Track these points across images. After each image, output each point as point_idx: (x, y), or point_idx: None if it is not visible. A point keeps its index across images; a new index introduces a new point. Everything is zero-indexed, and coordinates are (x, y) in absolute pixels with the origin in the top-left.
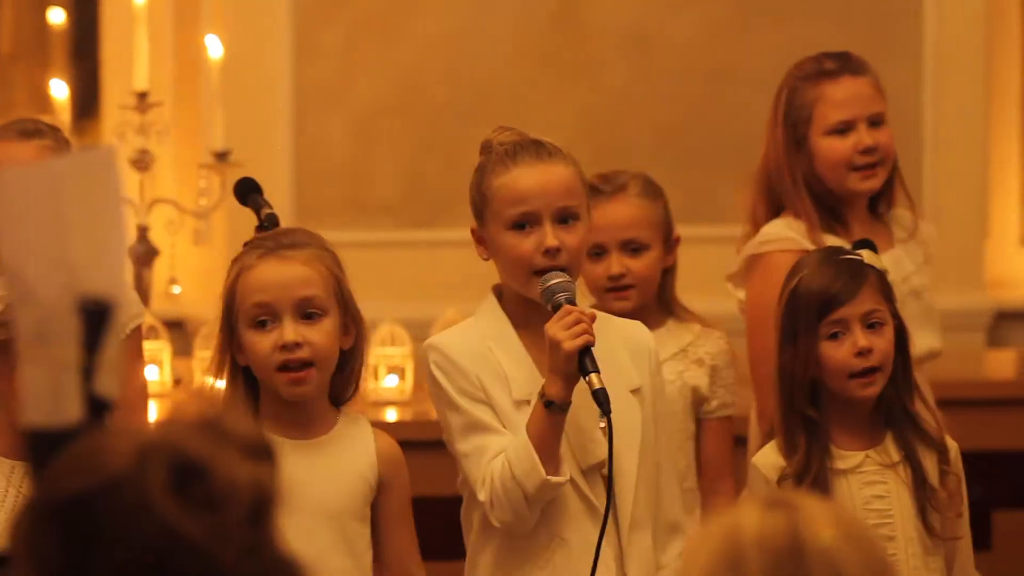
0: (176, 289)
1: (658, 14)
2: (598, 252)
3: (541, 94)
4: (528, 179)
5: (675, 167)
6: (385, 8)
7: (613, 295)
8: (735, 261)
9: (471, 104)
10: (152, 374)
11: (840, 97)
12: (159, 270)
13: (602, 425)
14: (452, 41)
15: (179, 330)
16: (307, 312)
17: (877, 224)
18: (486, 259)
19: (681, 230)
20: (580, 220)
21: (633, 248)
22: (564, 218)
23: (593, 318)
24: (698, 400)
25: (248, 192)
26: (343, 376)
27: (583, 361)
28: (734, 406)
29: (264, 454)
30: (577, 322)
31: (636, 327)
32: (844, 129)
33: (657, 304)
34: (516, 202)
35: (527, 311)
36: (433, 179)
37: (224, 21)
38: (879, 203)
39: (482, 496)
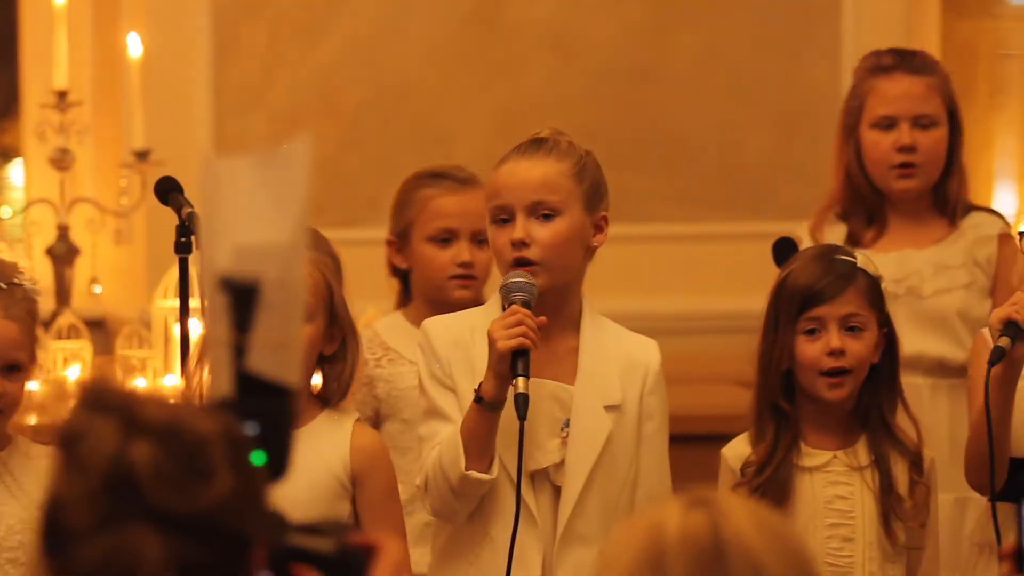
0: (97, 288)
1: (577, 13)
2: (447, 239)
3: (461, 93)
4: (507, 174)
5: None
6: (306, 7)
7: (458, 283)
8: None
9: (391, 103)
10: (73, 373)
11: (890, 93)
12: (80, 269)
13: (564, 434)
14: (372, 40)
15: (100, 329)
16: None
17: (932, 221)
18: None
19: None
20: (561, 215)
21: (480, 240)
22: (541, 213)
23: (542, 323)
24: None
25: (169, 191)
26: (329, 381)
27: (515, 363)
28: None
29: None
30: (518, 323)
31: (644, 344)
32: (889, 124)
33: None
34: (493, 196)
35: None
36: (354, 178)
37: (144, 20)
38: (939, 202)
39: (418, 481)
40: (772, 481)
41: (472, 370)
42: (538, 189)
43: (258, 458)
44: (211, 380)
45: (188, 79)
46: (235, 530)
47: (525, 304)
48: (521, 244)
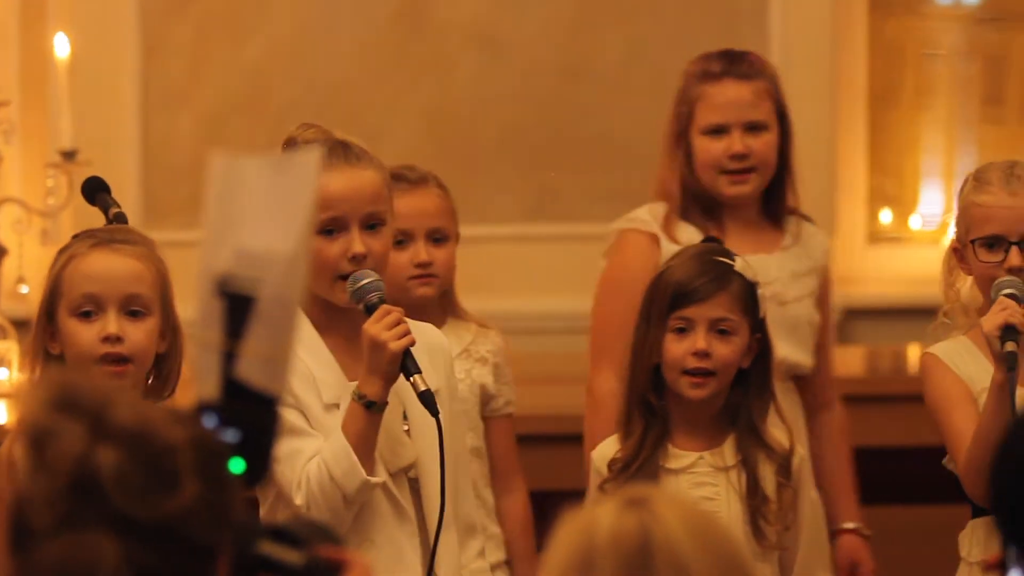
0: (24, 289)
1: (504, 12)
2: (402, 240)
3: (388, 92)
4: (337, 184)
5: (522, 165)
6: (233, 6)
7: (419, 282)
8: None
9: (319, 103)
10: (0, 374)
11: (718, 100)
12: (7, 269)
13: (405, 428)
14: (299, 39)
15: (27, 329)
16: (132, 309)
17: (764, 227)
18: None
19: (529, 228)
20: (386, 225)
21: (436, 238)
22: (371, 224)
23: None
24: (485, 398)
25: (96, 191)
26: (159, 379)
27: (405, 363)
28: (516, 403)
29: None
30: (398, 322)
31: (429, 329)
32: (719, 131)
33: (440, 302)
34: (324, 207)
35: (329, 315)
36: None
37: (71, 19)
38: (770, 207)
39: (299, 500)
40: (636, 479)
41: (313, 383)
42: (371, 200)
43: (236, 466)
44: (196, 382)
45: (116, 79)
46: (198, 539)
47: (382, 301)
48: (363, 258)
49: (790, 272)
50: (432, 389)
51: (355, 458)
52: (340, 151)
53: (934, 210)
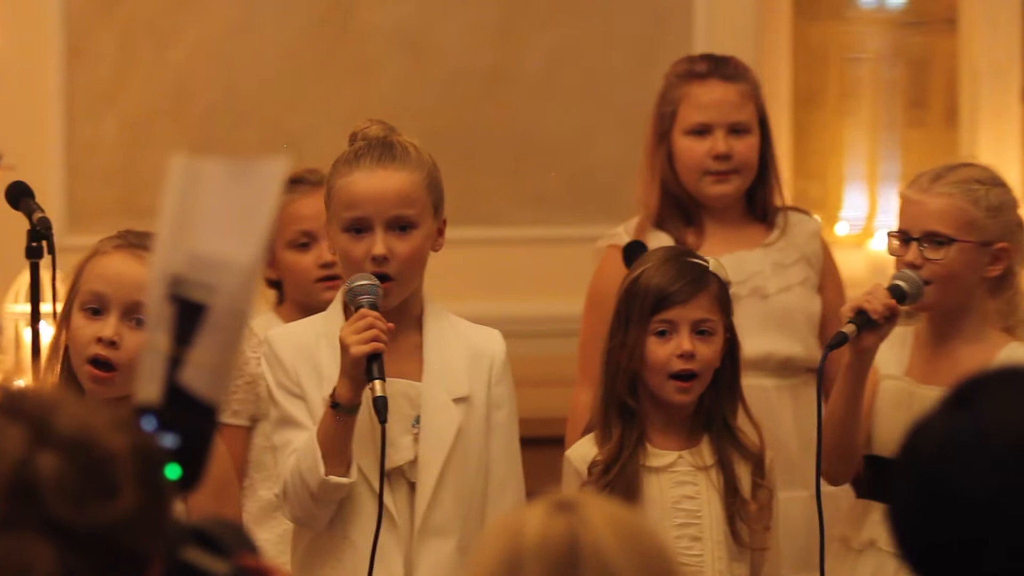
0: None
1: (429, 16)
2: (306, 243)
3: (313, 96)
4: (364, 185)
5: (448, 170)
6: (158, 10)
7: (324, 285)
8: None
9: (243, 107)
10: None
11: (704, 100)
12: None
13: (415, 431)
14: (223, 44)
15: None
16: (137, 317)
17: (748, 226)
18: (333, 254)
19: (455, 233)
20: (418, 228)
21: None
22: (401, 226)
23: (391, 329)
24: None
25: (20, 196)
26: None
27: (370, 367)
28: None
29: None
30: (369, 327)
31: (488, 335)
32: (702, 131)
33: None
34: (351, 206)
35: (352, 313)
36: None
37: None
38: (755, 206)
39: (276, 490)
40: (619, 480)
41: (319, 376)
42: (398, 203)
43: (172, 471)
44: (139, 384)
45: (39, 83)
46: (133, 548)
47: (372, 306)
48: (384, 260)
49: (772, 264)
50: (461, 395)
51: (319, 455)
52: (376, 152)
53: (858, 214)
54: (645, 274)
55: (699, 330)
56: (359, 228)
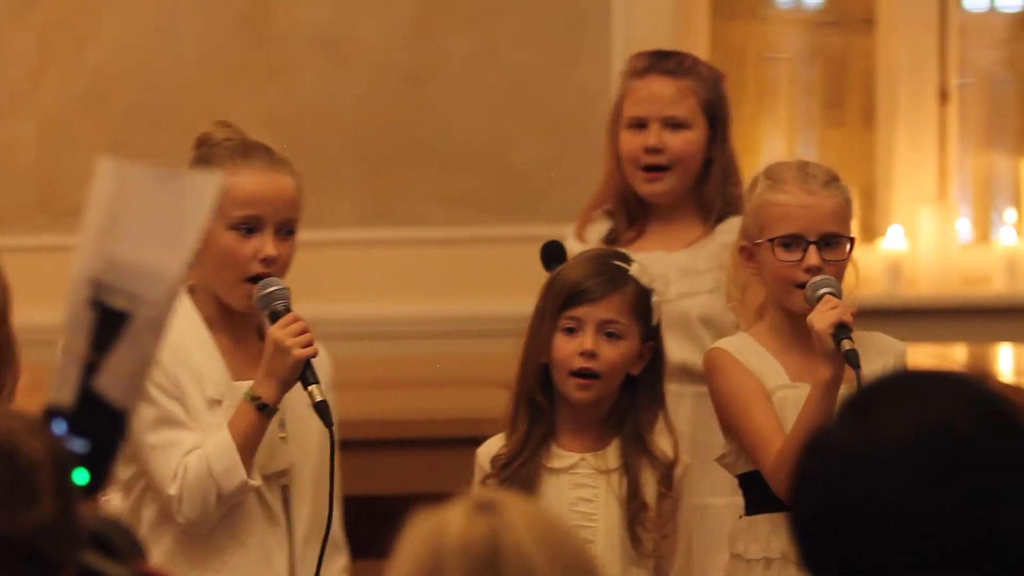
0: None
1: (349, 17)
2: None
3: (233, 96)
4: (259, 184)
5: (368, 170)
6: (76, 10)
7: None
8: None
9: (162, 106)
10: None
11: (641, 94)
12: None
13: (282, 435)
14: (142, 43)
15: None
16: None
17: (689, 224)
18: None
19: (375, 233)
20: (295, 234)
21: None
22: (285, 230)
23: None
24: None
25: None
26: None
27: (305, 372)
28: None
29: None
30: (304, 331)
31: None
32: (639, 125)
33: None
34: (243, 205)
35: (222, 314)
36: None
37: None
38: (698, 206)
39: (172, 490)
40: (517, 477)
41: (199, 377)
42: (289, 207)
43: (80, 476)
44: (52, 386)
45: None
46: (51, 554)
47: (287, 310)
48: (273, 262)
49: (680, 269)
50: (319, 399)
51: (238, 457)
52: (263, 153)
53: None
54: (565, 269)
55: (606, 331)
56: (249, 227)
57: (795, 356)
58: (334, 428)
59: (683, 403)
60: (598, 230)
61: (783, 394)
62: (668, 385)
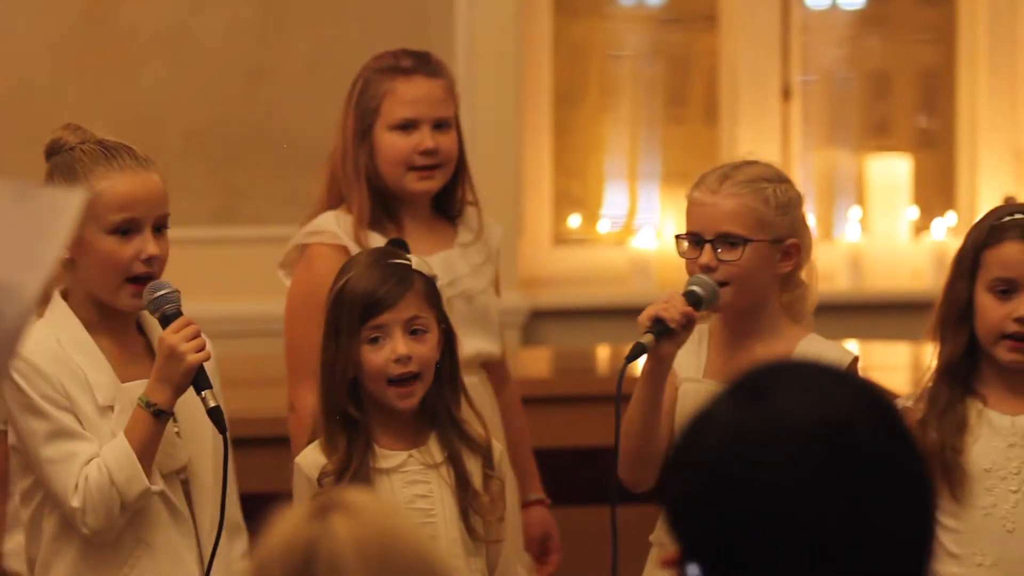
0: None
1: (190, 14)
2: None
3: (74, 93)
4: (132, 185)
5: (209, 168)
6: None
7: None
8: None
9: (3, 103)
10: None
11: (410, 95)
12: None
13: (176, 431)
14: None
15: None
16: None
17: (439, 224)
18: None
19: (216, 231)
20: (167, 229)
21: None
22: (160, 227)
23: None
24: None
25: None
26: None
27: (197, 377)
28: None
29: None
30: (196, 335)
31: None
32: (408, 127)
33: None
34: (120, 208)
35: (101, 316)
36: None
37: None
38: (446, 204)
39: (75, 503)
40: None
41: (86, 384)
42: (163, 204)
43: None
44: None
45: None
46: None
47: (178, 312)
48: (154, 260)
49: (472, 266)
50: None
51: (138, 465)
52: (125, 153)
53: (619, 211)
54: (350, 282)
55: (412, 329)
56: (127, 230)
57: (724, 352)
58: (226, 435)
59: (487, 393)
60: (377, 240)
61: (687, 387)
62: (478, 376)
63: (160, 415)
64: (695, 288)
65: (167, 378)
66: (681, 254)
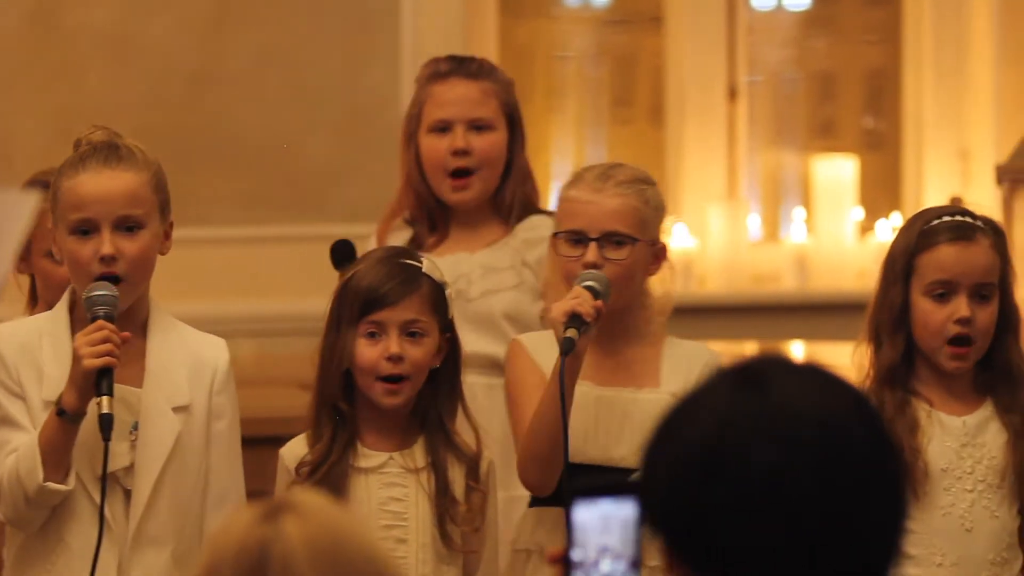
0: None
1: (135, 16)
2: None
3: (20, 95)
4: (90, 186)
5: None
6: None
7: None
8: None
9: None
10: None
11: (445, 97)
12: None
13: (133, 438)
14: None
15: None
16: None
17: (491, 227)
18: (60, 260)
19: None
20: (145, 228)
21: (128, 227)
22: (126, 226)
23: (126, 338)
24: None
25: None
26: None
27: (99, 381)
28: None
29: None
30: (104, 340)
31: (212, 344)
32: (444, 129)
33: None
34: (77, 207)
35: (86, 316)
36: None
37: None
38: (500, 207)
39: None
40: (326, 481)
41: (40, 377)
42: (125, 203)
43: None
44: None
45: None
46: None
47: (108, 317)
48: (112, 260)
49: (483, 267)
50: (180, 404)
51: (39, 460)
52: (101, 154)
53: None
54: (357, 274)
55: (409, 331)
56: (85, 229)
57: (597, 354)
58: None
59: (495, 394)
60: (400, 238)
61: None
62: (480, 377)
63: (62, 415)
64: (593, 283)
65: (73, 380)
66: (560, 253)
